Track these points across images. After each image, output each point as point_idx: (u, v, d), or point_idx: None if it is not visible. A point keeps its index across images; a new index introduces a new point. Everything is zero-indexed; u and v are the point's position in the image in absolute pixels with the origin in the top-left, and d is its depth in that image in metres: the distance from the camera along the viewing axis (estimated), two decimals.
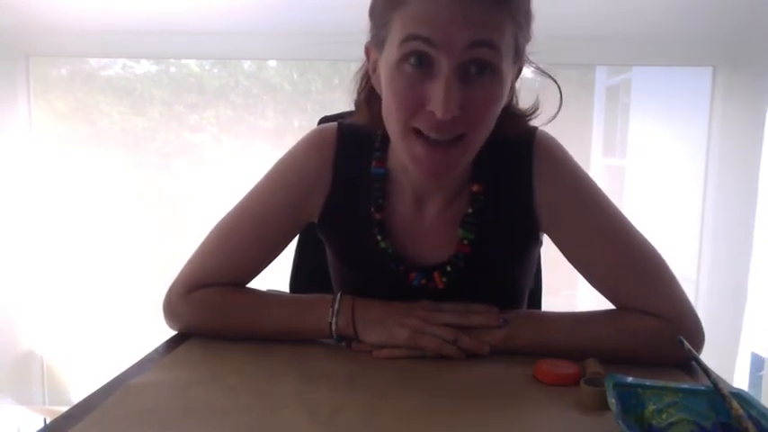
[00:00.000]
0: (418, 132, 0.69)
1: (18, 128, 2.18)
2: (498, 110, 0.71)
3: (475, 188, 0.82)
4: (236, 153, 2.19)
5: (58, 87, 2.23)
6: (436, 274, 0.83)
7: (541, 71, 0.79)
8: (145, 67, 2.25)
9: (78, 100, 2.23)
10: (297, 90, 2.22)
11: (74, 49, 2.16)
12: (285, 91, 2.22)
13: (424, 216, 0.84)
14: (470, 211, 0.82)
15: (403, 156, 0.73)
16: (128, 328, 2.24)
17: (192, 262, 0.88)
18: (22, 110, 2.17)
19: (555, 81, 0.81)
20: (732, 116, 2.00)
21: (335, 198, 0.85)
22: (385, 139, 0.82)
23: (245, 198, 0.89)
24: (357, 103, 0.84)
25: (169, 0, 2.02)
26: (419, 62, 0.66)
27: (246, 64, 2.22)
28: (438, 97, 0.65)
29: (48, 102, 2.22)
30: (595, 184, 0.84)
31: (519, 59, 0.73)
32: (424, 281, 0.83)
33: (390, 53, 0.68)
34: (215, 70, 2.23)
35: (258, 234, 0.86)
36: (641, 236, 0.82)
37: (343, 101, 2.21)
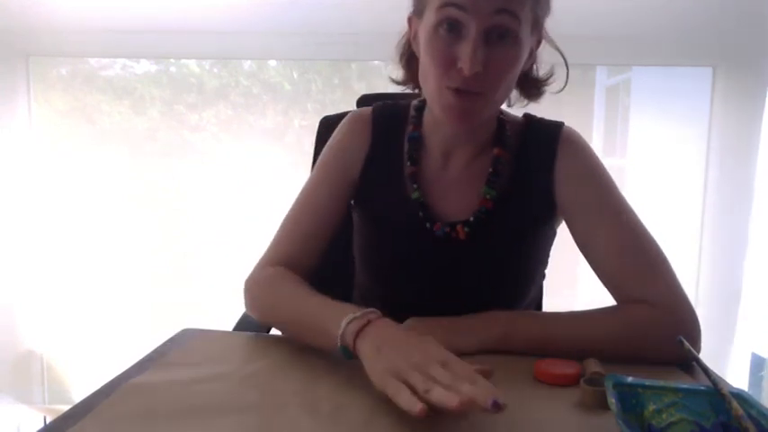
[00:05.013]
0: (449, 88, 0.80)
1: (18, 128, 2.18)
2: (516, 72, 0.82)
3: (496, 151, 0.92)
4: (236, 153, 2.18)
5: (58, 87, 2.23)
6: (459, 226, 0.89)
7: (555, 47, 0.90)
8: (145, 67, 2.25)
9: (78, 100, 2.22)
10: (297, 90, 2.21)
11: (74, 49, 2.15)
12: (285, 91, 2.21)
13: (450, 171, 0.93)
14: (491, 170, 0.91)
15: (436, 107, 0.84)
16: (128, 327, 2.24)
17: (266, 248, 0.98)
18: (21, 110, 2.17)
19: (563, 55, 0.90)
20: (732, 116, 2.00)
21: (374, 156, 0.97)
22: (419, 110, 0.96)
23: (306, 181, 1.01)
24: (401, 66, 0.96)
25: (169, 0, 2.02)
26: (451, 27, 0.78)
27: (246, 64, 2.22)
28: (466, 55, 0.76)
29: (48, 101, 2.22)
30: (611, 178, 0.90)
31: (537, 31, 0.84)
32: (448, 229, 0.89)
33: (429, 19, 0.81)
34: (215, 70, 2.23)
35: (315, 207, 0.97)
36: (647, 230, 0.86)
37: (343, 100, 2.22)
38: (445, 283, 0.92)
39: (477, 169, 0.92)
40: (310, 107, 2.19)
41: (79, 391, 2.29)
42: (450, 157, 0.94)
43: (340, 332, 0.70)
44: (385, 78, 1.03)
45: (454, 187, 0.93)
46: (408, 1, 0.88)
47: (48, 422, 0.60)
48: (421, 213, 0.91)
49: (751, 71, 1.96)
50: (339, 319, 0.70)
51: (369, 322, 0.69)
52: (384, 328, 0.69)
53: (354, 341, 0.69)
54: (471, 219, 0.89)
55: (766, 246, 2.00)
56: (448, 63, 0.79)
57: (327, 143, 1.01)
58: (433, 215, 0.91)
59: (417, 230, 0.91)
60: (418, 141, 0.95)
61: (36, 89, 2.19)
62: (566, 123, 0.95)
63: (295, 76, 2.22)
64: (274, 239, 0.97)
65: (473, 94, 0.79)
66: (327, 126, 1.19)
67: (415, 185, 0.92)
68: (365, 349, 0.67)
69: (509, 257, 0.91)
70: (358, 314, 0.71)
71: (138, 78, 2.24)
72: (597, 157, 0.92)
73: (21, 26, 2.08)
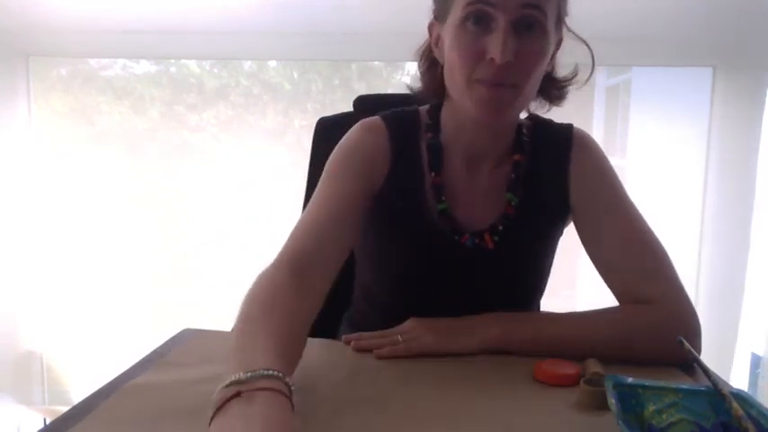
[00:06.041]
0: (479, 81, 0.79)
1: (18, 128, 2.18)
2: (544, 64, 0.82)
3: (517, 157, 0.91)
4: (236, 153, 2.18)
5: (58, 87, 2.23)
6: (487, 235, 0.89)
7: (578, 37, 0.89)
8: (145, 67, 2.25)
9: (78, 100, 2.22)
10: (297, 90, 2.21)
11: (74, 49, 2.15)
12: (285, 91, 2.21)
13: (474, 180, 0.92)
14: (513, 176, 0.91)
15: (467, 102, 0.81)
16: (128, 328, 2.24)
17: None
18: (21, 110, 2.17)
19: (588, 45, 0.91)
20: (732, 116, 2.00)
21: (396, 166, 0.91)
22: (434, 116, 0.93)
23: (315, 192, 0.89)
24: (420, 74, 0.94)
25: (169, 0, 2.02)
26: (478, 19, 0.77)
27: (246, 64, 2.22)
28: (496, 46, 0.76)
29: (48, 102, 2.22)
30: (618, 178, 0.92)
31: (559, 30, 0.84)
32: (477, 240, 0.89)
33: (455, 16, 0.80)
34: (215, 70, 2.23)
35: (337, 214, 0.84)
36: (652, 231, 0.87)
37: (343, 100, 2.22)
38: (461, 290, 0.91)
39: (498, 176, 0.92)
40: (310, 107, 2.19)
41: (79, 392, 2.29)
42: (474, 165, 0.92)
43: (214, 397, 0.54)
44: (385, 78, 1.02)
45: (478, 196, 0.91)
46: (426, 8, 0.88)
47: (48, 423, 0.60)
48: (447, 227, 0.89)
49: (751, 71, 1.96)
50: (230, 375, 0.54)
51: (237, 394, 0.52)
52: (237, 417, 0.51)
53: (212, 416, 0.52)
54: (500, 227, 0.89)
55: (766, 245, 2.00)
56: (477, 56, 0.78)
57: (342, 150, 0.92)
58: (457, 225, 0.89)
59: (438, 240, 0.89)
60: (439, 149, 0.92)
61: (36, 89, 2.19)
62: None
63: (295, 76, 2.22)
64: (289, 242, 0.82)
65: (505, 87, 0.79)
66: (324, 127, 1.19)
67: (443, 197, 0.89)
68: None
69: (529, 261, 0.93)
70: (241, 377, 0.53)
71: (138, 78, 2.24)
72: (607, 158, 0.93)
73: (21, 26, 2.08)
